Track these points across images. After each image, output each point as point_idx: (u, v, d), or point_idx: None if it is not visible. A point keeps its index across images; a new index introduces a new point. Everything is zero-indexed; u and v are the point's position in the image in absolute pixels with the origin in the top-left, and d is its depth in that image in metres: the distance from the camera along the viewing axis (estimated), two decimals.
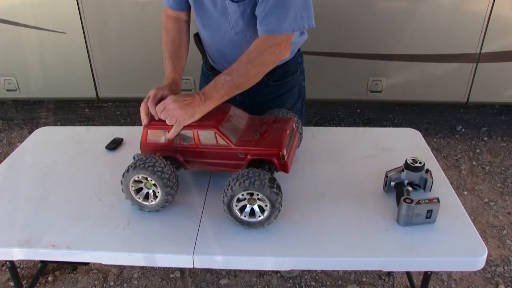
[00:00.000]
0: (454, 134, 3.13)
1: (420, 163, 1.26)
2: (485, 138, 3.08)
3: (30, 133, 1.74)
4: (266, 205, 1.12)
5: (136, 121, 3.35)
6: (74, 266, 2.02)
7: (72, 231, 1.19)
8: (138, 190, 1.22)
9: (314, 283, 1.96)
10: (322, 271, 2.00)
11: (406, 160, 1.28)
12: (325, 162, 1.46)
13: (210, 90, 1.24)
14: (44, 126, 1.81)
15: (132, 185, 1.20)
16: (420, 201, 1.15)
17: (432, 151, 1.54)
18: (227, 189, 1.12)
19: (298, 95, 1.61)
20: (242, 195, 1.11)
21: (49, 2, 2.69)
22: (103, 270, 2.03)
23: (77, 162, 1.51)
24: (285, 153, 1.18)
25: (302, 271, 2.00)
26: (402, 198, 1.16)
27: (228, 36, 1.39)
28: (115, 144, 1.59)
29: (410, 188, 1.26)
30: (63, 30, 2.77)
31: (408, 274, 1.86)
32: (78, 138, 1.66)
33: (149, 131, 1.26)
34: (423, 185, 1.28)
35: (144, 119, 1.25)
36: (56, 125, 3.32)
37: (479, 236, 1.14)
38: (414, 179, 1.28)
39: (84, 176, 1.43)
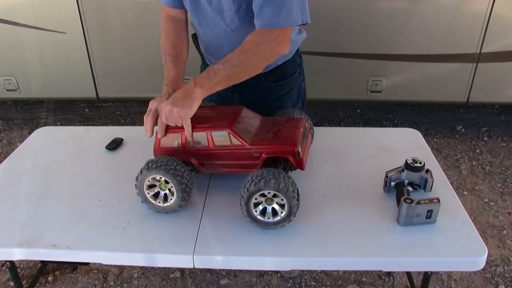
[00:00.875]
0: (454, 134, 3.13)
1: (420, 163, 1.26)
2: (485, 138, 3.08)
3: (30, 133, 1.74)
4: (282, 209, 1.12)
5: (136, 121, 3.35)
6: (74, 266, 2.02)
7: (72, 231, 1.19)
8: (155, 194, 1.21)
9: (314, 283, 1.96)
10: (322, 271, 2.00)
11: (406, 160, 1.28)
12: (325, 162, 1.46)
13: (202, 78, 1.22)
14: (44, 126, 1.81)
15: (147, 190, 1.20)
16: (420, 201, 1.15)
17: (432, 151, 1.54)
18: (252, 184, 1.10)
19: (298, 96, 1.61)
20: (269, 193, 1.10)
21: (49, 2, 2.69)
22: (103, 270, 2.03)
23: (77, 162, 1.51)
24: (300, 150, 1.18)
25: (302, 271, 2.00)
26: (402, 198, 1.16)
27: (224, 34, 1.39)
28: (115, 144, 1.59)
29: (410, 188, 1.26)
30: (63, 30, 2.77)
31: (408, 274, 1.86)
32: (78, 138, 1.66)
33: None
34: (423, 185, 1.28)
35: (147, 132, 1.25)
36: (56, 125, 3.32)
37: (479, 236, 1.14)
38: (414, 179, 1.28)
39: (84, 176, 1.43)
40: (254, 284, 1.96)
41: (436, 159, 1.48)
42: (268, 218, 1.14)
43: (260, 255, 1.12)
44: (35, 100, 3.51)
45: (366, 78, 2.81)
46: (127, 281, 1.98)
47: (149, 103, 1.26)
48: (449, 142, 3.04)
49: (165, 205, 1.21)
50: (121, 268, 2.04)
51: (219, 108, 1.35)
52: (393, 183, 1.29)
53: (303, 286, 1.95)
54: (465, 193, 2.53)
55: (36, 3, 2.70)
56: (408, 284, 1.88)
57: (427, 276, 1.29)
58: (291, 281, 1.97)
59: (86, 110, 3.54)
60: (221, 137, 1.20)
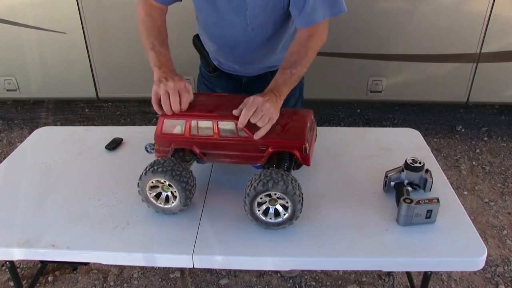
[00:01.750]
0: (454, 134, 3.13)
1: (420, 163, 1.26)
2: (485, 138, 3.08)
3: (30, 133, 1.74)
4: (286, 212, 1.12)
5: (136, 121, 3.35)
6: (74, 266, 2.02)
7: (72, 231, 1.19)
8: (157, 195, 1.21)
9: (314, 283, 1.96)
10: (322, 271, 2.00)
11: (406, 160, 1.27)
12: (325, 162, 1.46)
13: (280, 85, 1.25)
14: (44, 126, 1.81)
15: (149, 190, 1.19)
16: (420, 201, 1.15)
17: (432, 151, 1.54)
18: (260, 184, 1.08)
19: (299, 94, 1.62)
20: (275, 194, 1.10)
21: (49, 2, 2.69)
22: (103, 270, 2.03)
23: (77, 162, 1.51)
24: (307, 146, 1.17)
25: (302, 271, 2.00)
26: (402, 198, 1.16)
27: (242, 33, 1.39)
28: (115, 144, 1.59)
29: (410, 188, 1.26)
30: (63, 30, 2.77)
31: (408, 274, 1.86)
32: (78, 138, 1.66)
33: (165, 121, 1.22)
34: (423, 185, 1.28)
35: (182, 106, 1.19)
36: (56, 125, 3.31)
37: (479, 236, 1.14)
38: (414, 179, 1.28)
39: (84, 176, 1.43)
40: (254, 284, 1.96)
41: (436, 159, 1.48)
42: (270, 218, 1.14)
43: (260, 255, 1.12)
44: (35, 100, 3.51)
45: (366, 78, 2.81)
46: (127, 281, 1.98)
47: (159, 88, 1.18)
48: (449, 142, 3.04)
49: (166, 206, 1.21)
50: (121, 268, 2.04)
51: (225, 96, 1.32)
52: (392, 183, 1.29)
53: (303, 286, 1.95)
54: (465, 193, 2.53)
55: (36, 3, 2.70)
56: (408, 284, 1.88)
57: (427, 276, 1.29)
58: (291, 281, 1.97)
59: (86, 110, 3.54)
60: (227, 128, 1.19)
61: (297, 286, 1.95)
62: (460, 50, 2.67)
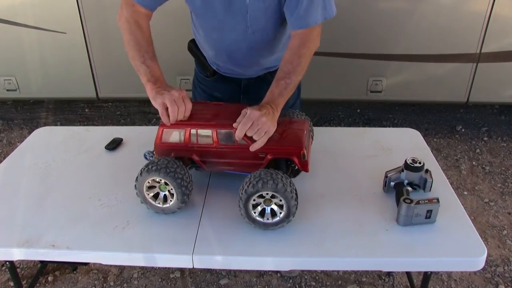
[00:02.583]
0: (454, 134, 3.13)
1: (420, 163, 1.26)
2: (485, 138, 3.08)
3: (30, 133, 1.74)
4: (281, 210, 1.12)
5: (136, 121, 3.35)
6: (74, 266, 2.02)
7: (71, 231, 1.19)
8: (155, 195, 1.21)
9: (314, 283, 1.96)
10: (322, 271, 2.00)
11: (406, 160, 1.27)
12: (325, 162, 1.46)
13: (275, 97, 1.25)
14: (44, 126, 1.81)
15: (147, 190, 1.20)
16: (420, 201, 1.15)
17: (432, 151, 1.54)
18: (250, 186, 1.10)
19: (298, 93, 1.62)
20: (267, 194, 1.10)
21: (49, 2, 2.69)
22: (103, 270, 2.03)
23: (77, 162, 1.51)
24: (305, 152, 1.18)
25: (302, 271, 2.00)
26: (401, 198, 1.16)
27: (243, 37, 1.39)
28: (114, 144, 1.59)
29: (409, 188, 1.26)
30: (63, 30, 2.77)
31: (408, 274, 1.86)
32: (78, 138, 1.66)
33: (164, 130, 1.23)
34: (423, 185, 1.28)
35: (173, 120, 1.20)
36: (56, 125, 3.31)
37: (479, 236, 1.14)
38: (413, 179, 1.28)
39: (84, 176, 1.43)
40: (254, 284, 1.96)
41: (436, 159, 1.48)
42: (267, 219, 1.14)
43: (259, 255, 1.12)
44: (35, 100, 3.51)
45: (366, 78, 2.81)
46: (127, 281, 1.98)
47: (164, 99, 1.19)
48: (449, 142, 3.04)
49: (164, 206, 1.21)
50: (121, 268, 2.04)
51: (223, 105, 1.34)
52: (392, 183, 1.29)
53: (303, 286, 1.95)
54: (465, 193, 2.53)
55: (36, 3, 2.70)
56: (408, 284, 1.88)
57: (427, 276, 1.29)
58: (291, 281, 1.97)
59: (86, 110, 3.54)
60: (226, 136, 1.20)
61: (297, 286, 1.95)
62: (460, 50, 2.67)
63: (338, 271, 2.00)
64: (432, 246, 1.12)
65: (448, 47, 2.66)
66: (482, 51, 2.64)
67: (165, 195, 1.20)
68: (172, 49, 2.24)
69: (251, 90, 1.60)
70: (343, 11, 2.66)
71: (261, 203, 1.13)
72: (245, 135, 1.17)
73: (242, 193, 1.12)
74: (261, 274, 2.00)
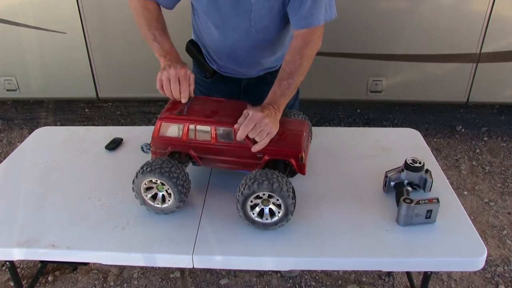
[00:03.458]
0: (454, 134, 3.13)
1: (420, 163, 1.26)
2: (485, 138, 3.08)
3: (30, 133, 1.74)
4: (279, 209, 1.12)
5: (136, 121, 3.35)
6: (74, 266, 2.02)
7: (71, 231, 1.19)
8: (153, 196, 1.21)
9: (314, 283, 1.96)
10: (322, 271, 2.00)
11: (406, 160, 1.28)
12: (325, 162, 1.46)
13: (278, 98, 1.25)
14: (44, 126, 1.81)
15: (145, 192, 1.19)
16: (420, 201, 1.15)
17: (432, 151, 1.54)
18: (246, 187, 1.10)
19: (296, 93, 1.62)
20: (263, 194, 1.10)
21: (49, 2, 2.69)
22: (103, 270, 2.03)
23: (77, 162, 1.51)
24: (303, 155, 1.18)
25: (302, 271, 2.00)
26: (401, 198, 1.16)
27: (246, 36, 1.39)
28: (114, 144, 1.59)
29: (409, 188, 1.26)
30: (63, 30, 2.77)
31: (408, 274, 1.86)
32: (78, 138, 1.66)
33: (162, 124, 1.23)
34: (423, 185, 1.28)
35: (184, 98, 1.23)
36: (56, 125, 3.31)
37: (479, 236, 1.15)
38: (414, 179, 1.28)
39: (84, 176, 1.43)
40: (254, 284, 1.96)
41: (436, 159, 1.48)
42: (266, 219, 1.14)
43: (259, 255, 1.12)
44: (35, 100, 3.51)
45: (366, 78, 2.81)
46: (127, 281, 1.98)
47: (162, 74, 1.23)
48: (449, 142, 3.04)
49: (163, 206, 1.21)
50: (121, 268, 2.04)
51: (224, 102, 1.33)
52: (392, 183, 1.29)
53: (303, 286, 1.95)
54: (465, 193, 2.53)
55: (36, 3, 2.70)
56: (408, 284, 1.88)
57: (427, 276, 1.29)
58: (291, 281, 1.97)
59: (86, 110, 3.54)
60: (225, 133, 1.19)
61: (297, 286, 1.95)
62: (460, 50, 2.67)
63: (338, 271, 2.00)
64: (432, 246, 1.12)
65: (448, 47, 2.66)
66: (482, 51, 2.64)
67: (163, 195, 1.20)
68: None
69: (251, 91, 1.61)
70: (343, 11, 2.66)
71: (259, 204, 1.13)
72: (247, 136, 1.17)
73: (239, 195, 1.12)
74: (261, 274, 2.00)
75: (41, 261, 1.89)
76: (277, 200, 1.11)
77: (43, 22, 2.75)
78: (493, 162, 2.82)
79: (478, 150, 2.94)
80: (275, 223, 1.14)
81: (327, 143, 1.56)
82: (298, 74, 1.29)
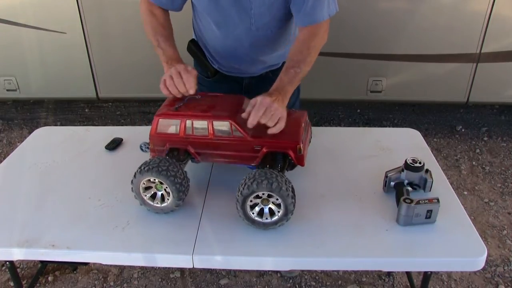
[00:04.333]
0: (454, 134, 3.13)
1: (420, 163, 1.26)
2: (485, 138, 3.08)
3: (30, 133, 1.74)
4: (279, 209, 1.12)
5: (136, 121, 3.35)
6: (74, 266, 2.02)
7: (71, 231, 1.19)
8: (152, 196, 1.21)
9: (314, 283, 1.96)
10: (322, 271, 2.00)
11: (406, 160, 1.27)
12: (325, 162, 1.46)
13: (285, 85, 1.26)
14: (44, 126, 1.81)
15: (144, 192, 1.19)
16: (420, 201, 1.15)
17: (432, 151, 1.54)
18: (246, 187, 1.10)
19: (298, 92, 1.62)
20: (263, 194, 1.10)
21: (49, 2, 2.69)
22: (103, 270, 2.03)
23: (77, 162, 1.51)
24: (301, 146, 1.18)
25: (302, 271, 2.00)
26: (402, 198, 1.16)
27: (246, 34, 1.40)
28: (114, 144, 1.59)
29: (410, 188, 1.26)
30: (63, 30, 2.77)
31: (408, 274, 1.86)
32: (78, 138, 1.66)
33: (160, 120, 1.23)
34: (423, 185, 1.28)
35: (192, 89, 1.22)
36: (56, 125, 3.31)
37: (479, 236, 1.14)
38: (414, 179, 1.28)
39: (84, 176, 1.43)
40: (254, 284, 1.96)
41: (436, 159, 1.48)
42: (266, 218, 1.14)
43: (259, 255, 1.12)
44: (35, 100, 3.51)
45: (366, 78, 2.81)
46: (127, 281, 1.98)
47: (165, 76, 1.25)
48: (449, 142, 3.04)
49: (162, 205, 1.21)
50: (121, 268, 2.04)
51: (220, 97, 1.33)
52: (392, 183, 1.29)
53: (303, 286, 1.95)
54: (465, 193, 2.53)
55: (36, 3, 2.70)
56: (408, 284, 1.88)
57: (427, 276, 1.29)
58: (291, 281, 1.97)
59: (86, 110, 3.54)
60: (222, 128, 1.19)
61: (297, 286, 1.95)
62: (460, 50, 2.67)
63: (338, 271, 2.00)
64: (432, 246, 1.12)
65: (448, 47, 2.66)
66: (482, 51, 2.64)
67: (162, 194, 1.20)
68: None
69: (252, 90, 1.60)
70: (343, 11, 2.65)
71: (258, 203, 1.13)
72: (239, 125, 1.17)
73: (238, 195, 1.12)
74: (261, 274, 2.00)
75: (41, 261, 1.90)
76: (277, 199, 1.10)
77: (43, 22, 2.75)
78: (493, 162, 2.82)
79: (478, 150, 2.94)
80: (275, 223, 1.14)
81: (327, 143, 1.56)
82: (305, 63, 1.30)
